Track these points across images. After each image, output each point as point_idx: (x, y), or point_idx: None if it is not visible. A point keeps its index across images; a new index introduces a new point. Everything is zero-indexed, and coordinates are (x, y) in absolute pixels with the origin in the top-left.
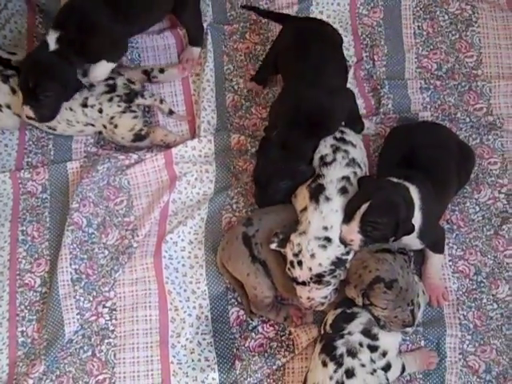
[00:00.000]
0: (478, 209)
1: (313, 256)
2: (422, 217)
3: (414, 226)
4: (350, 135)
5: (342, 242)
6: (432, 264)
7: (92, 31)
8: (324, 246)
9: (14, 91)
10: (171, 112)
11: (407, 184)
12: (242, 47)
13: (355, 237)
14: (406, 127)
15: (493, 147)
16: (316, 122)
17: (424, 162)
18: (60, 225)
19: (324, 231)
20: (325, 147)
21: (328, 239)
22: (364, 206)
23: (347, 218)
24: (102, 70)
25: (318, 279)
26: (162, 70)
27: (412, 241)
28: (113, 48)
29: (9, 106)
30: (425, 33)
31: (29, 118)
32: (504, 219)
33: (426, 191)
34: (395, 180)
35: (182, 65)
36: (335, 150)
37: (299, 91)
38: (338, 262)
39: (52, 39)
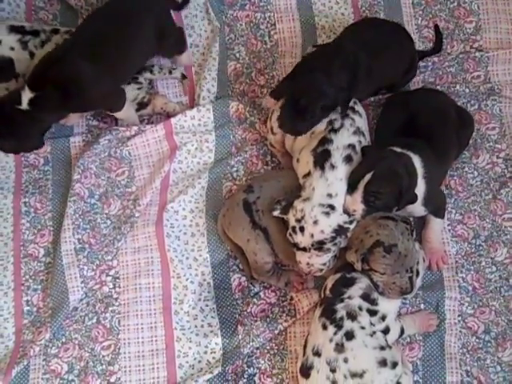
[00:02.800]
0: (476, 174)
1: (315, 222)
2: (426, 185)
3: (416, 195)
4: (360, 106)
5: (345, 211)
6: (432, 228)
7: (77, 88)
8: (327, 213)
9: (32, 55)
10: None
11: (410, 153)
12: (242, 15)
13: (358, 207)
14: (404, 94)
15: (491, 113)
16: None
17: (423, 128)
18: (62, 196)
19: (328, 198)
20: (334, 112)
21: (332, 207)
22: (367, 176)
23: (350, 188)
24: (125, 117)
25: (319, 246)
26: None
27: (416, 208)
28: (109, 100)
29: None
30: (423, 1)
31: None
32: (502, 183)
33: (428, 159)
34: (398, 150)
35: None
36: (344, 116)
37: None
38: (340, 230)
39: (26, 98)
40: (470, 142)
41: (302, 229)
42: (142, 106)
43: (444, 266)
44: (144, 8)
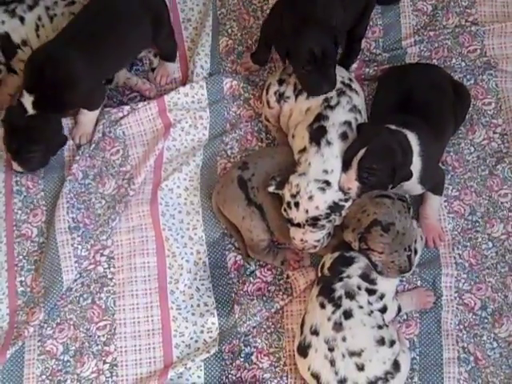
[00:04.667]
0: (472, 149)
1: (311, 198)
2: (422, 162)
3: (411, 172)
4: (357, 84)
5: (341, 189)
6: (430, 205)
7: (69, 85)
8: (323, 189)
9: (22, 20)
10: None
11: (405, 131)
12: None
13: (353, 184)
14: (399, 69)
15: (487, 87)
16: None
17: (420, 104)
18: (54, 175)
19: (324, 174)
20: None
21: (327, 183)
22: (361, 152)
23: (345, 165)
24: (87, 122)
25: (314, 222)
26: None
27: (413, 186)
28: (92, 96)
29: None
30: None
31: (18, 171)
32: (499, 159)
33: (424, 136)
34: (393, 127)
35: (155, 81)
36: (340, 93)
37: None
38: (335, 207)
39: (28, 103)
40: (466, 117)
41: (296, 204)
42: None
43: (441, 243)
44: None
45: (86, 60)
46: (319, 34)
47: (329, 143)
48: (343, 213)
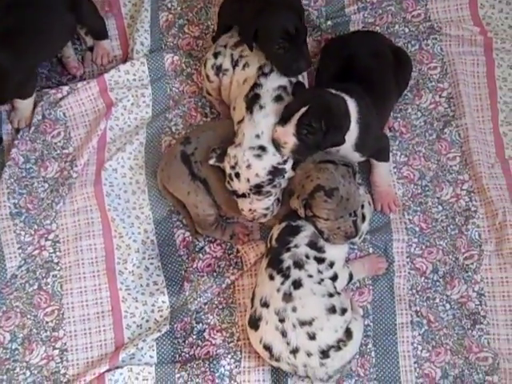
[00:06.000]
0: (419, 114)
1: (249, 167)
2: (359, 130)
3: (344, 139)
4: None
5: (275, 144)
6: (378, 173)
7: None
8: (259, 156)
9: None
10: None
11: (345, 96)
12: None
13: (289, 139)
14: (341, 38)
15: (432, 52)
16: None
17: (361, 72)
18: None
19: (257, 139)
20: (264, 57)
21: (262, 148)
22: (302, 109)
23: (283, 120)
24: (24, 107)
25: (258, 190)
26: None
27: (350, 154)
28: (22, 88)
29: None
30: None
31: None
32: (446, 122)
33: (363, 104)
34: (333, 91)
35: (97, 63)
36: None
37: None
38: (275, 172)
39: None
40: (412, 82)
41: (237, 175)
42: None
43: (396, 209)
44: None
45: (10, 55)
46: (289, 12)
47: (261, 107)
48: (286, 175)
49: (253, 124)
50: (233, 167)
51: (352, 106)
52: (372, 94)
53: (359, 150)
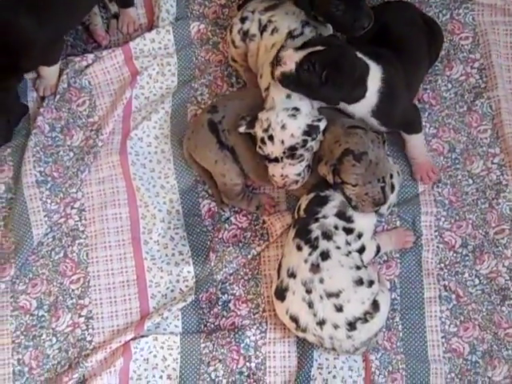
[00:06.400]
0: (450, 86)
1: (283, 127)
2: (379, 99)
3: (337, 102)
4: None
5: (277, 58)
6: (413, 145)
7: (22, 49)
8: (293, 115)
9: None
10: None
11: (371, 63)
12: None
13: (290, 63)
14: (375, 7)
15: (464, 22)
16: None
17: (396, 40)
18: (21, 129)
19: (289, 100)
20: (295, 22)
21: (296, 108)
22: (318, 47)
23: (299, 47)
24: (50, 75)
25: (291, 153)
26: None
27: (368, 119)
28: (48, 55)
29: None
30: None
31: None
32: (477, 94)
33: (392, 72)
34: (359, 55)
35: (123, 31)
36: (304, 24)
37: None
38: (310, 130)
39: None
40: (443, 53)
41: (270, 137)
42: None
43: (436, 177)
44: None
45: (37, 21)
46: None
47: None
48: (319, 136)
49: (279, 87)
50: (266, 130)
51: (376, 74)
52: (404, 63)
53: (378, 118)
